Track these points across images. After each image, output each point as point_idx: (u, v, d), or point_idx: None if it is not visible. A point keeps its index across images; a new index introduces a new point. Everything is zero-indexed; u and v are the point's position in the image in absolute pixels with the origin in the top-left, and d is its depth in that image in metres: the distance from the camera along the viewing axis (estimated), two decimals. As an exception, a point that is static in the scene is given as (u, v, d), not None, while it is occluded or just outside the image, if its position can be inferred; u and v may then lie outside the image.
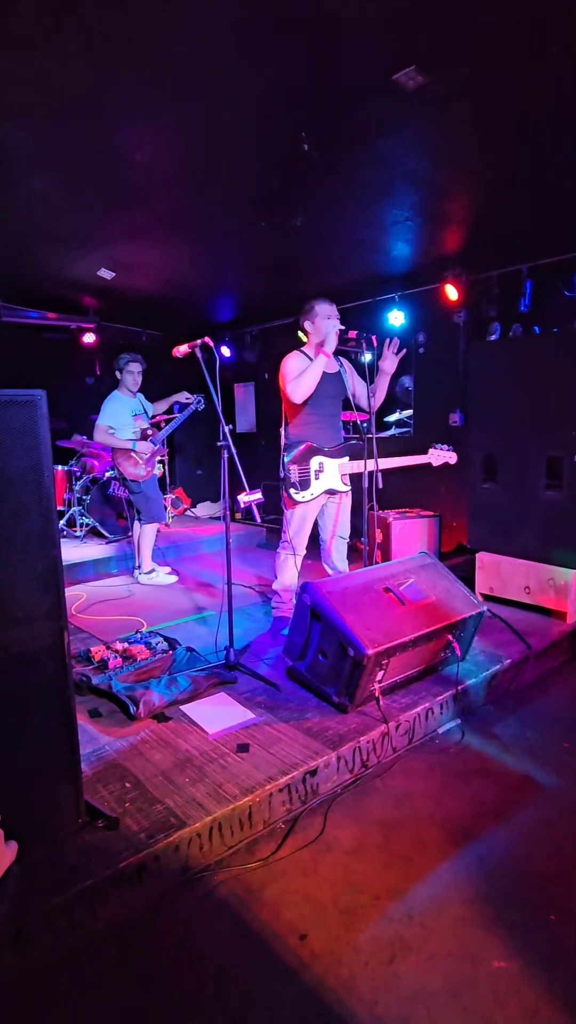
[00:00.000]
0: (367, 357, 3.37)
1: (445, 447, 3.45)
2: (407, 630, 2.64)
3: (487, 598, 4.04)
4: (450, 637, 2.86)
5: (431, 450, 3.45)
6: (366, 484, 3.30)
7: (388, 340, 3.37)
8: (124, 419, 4.69)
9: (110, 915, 1.72)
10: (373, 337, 3.33)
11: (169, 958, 1.64)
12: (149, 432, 4.74)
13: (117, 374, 4.74)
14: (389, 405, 6.24)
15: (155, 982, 1.58)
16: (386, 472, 3.34)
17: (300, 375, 3.24)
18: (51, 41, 2.34)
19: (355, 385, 3.49)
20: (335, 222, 4.18)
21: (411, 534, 4.79)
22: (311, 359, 3.36)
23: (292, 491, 3.33)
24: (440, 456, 3.43)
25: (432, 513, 4.98)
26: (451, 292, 5.07)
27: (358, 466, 3.31)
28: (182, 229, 4.40)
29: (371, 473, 3.27)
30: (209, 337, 3.06)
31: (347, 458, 3.40)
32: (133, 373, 4.72)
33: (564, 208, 3.83)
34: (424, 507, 5.16)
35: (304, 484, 3.33)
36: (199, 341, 3.06)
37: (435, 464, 3.45)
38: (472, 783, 2.40)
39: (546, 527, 3.72)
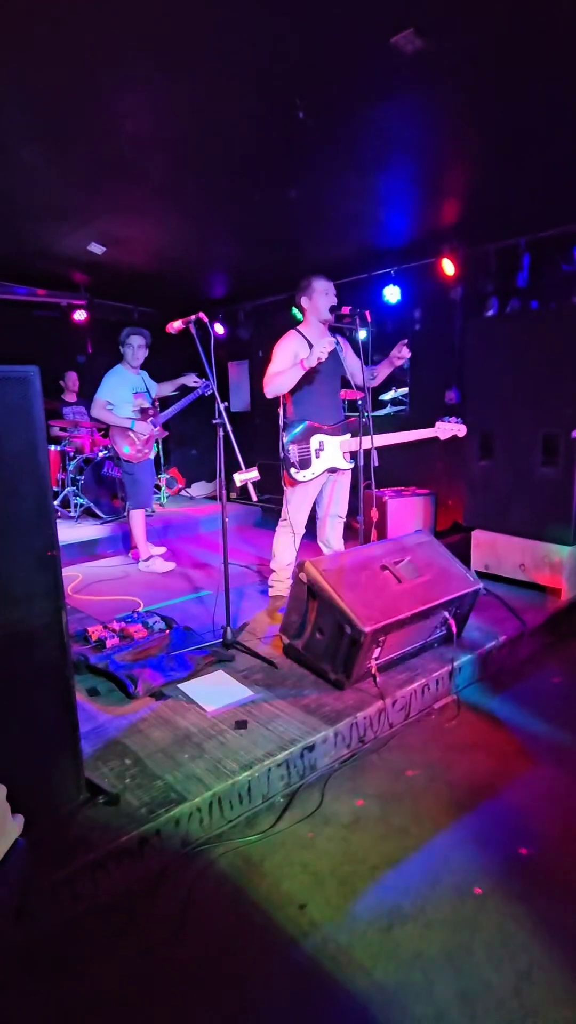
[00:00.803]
0: (362, 334, 3.34)
1: (453, 419, 3.40)
2: (403, 607, 2.66)
3: (483, 575, 4.05)
4: (446, 614, 2.88)
5: (438, 423, 3.40)
6: (362, 463, 3.29)
7: (402, 343, 3.38)
8: (123, 395, 4.49)
9: (112, 887, 1.75)
10: (367, 312, 3.30)
11: (171, 928, 1.67)
12: (150, 412, 4.57)
13: (125, 351, 4.55)
14: (385, 382, 6.20)
15: (157, 951, 1.61)
16: (382, 449, 3.32)
17: (279, 374, 3.21)
18: (37, 7, 2.25)
19: (351, 363, 3.46)
20: (330, 194, 4.09)
21: (407, 512, 4.79)
22: (306, 339, 3.33)
23: (292, 471, 3.31)
24: (448, 429, 3.38)
25: (428, 491, 4.98)
26: (448, 266, 5.00)
27: (363, 443, 3.26)
28: (174, 202, 4.30)
29: (367, 452, 3.26)
30: (202, 312, 3.02)
31: (348, 435, 3.38)
32: (133, 347, 4.51)
33: (564, 179, 3.76)
34: (420, 485, 5.16)
35: (304, 464, 3.31)
36: (193, 317, 3.01)
37: (443, 438, 3.41)
38: (467, 757, 2.44)
39: (542, 504, 3.73)
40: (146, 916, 1.71)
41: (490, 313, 4.87)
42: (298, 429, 3.32)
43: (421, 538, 3.19)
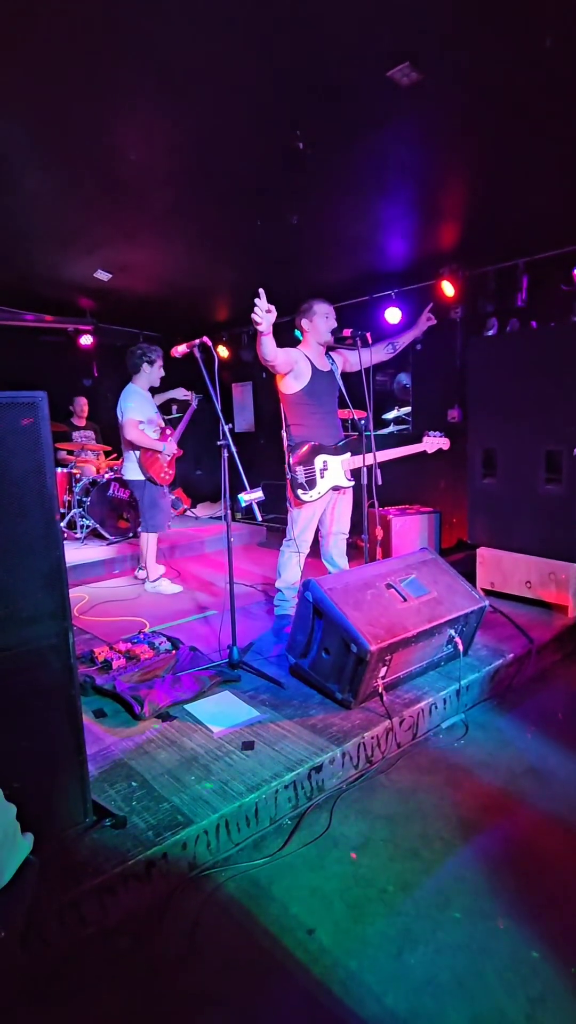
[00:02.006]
0: (364, 354, 3.39)
1: (437, 433, 3.60)
2: (409, 626, 2.65)
3: (488, 593, 4.05)
4: (452, 632, 2.87)
5: (425, 438, 3.60)
6: (365, 481, 3.32)
7: (428, 307, 3.61)
8: (150, 414, 4.35)
9: (120, 911, 1.73)
10: (368, 334, 3.36)
11: (178, 953, 1.65)
12: (168, 431, 4.45)
13: (145, 367, 4.36)
14: (387, 402, 6.26)
15: (164, 976, 1.59)
16: (385, 467, 3.36)
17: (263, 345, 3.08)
18: (44, 38, 2.34)
19: (353, 366, 3.51)
20: (330, 219, 4.19)
21: (411, 530, 4.80)
22: (308, 358, 3.38)
23: (300, 491, 3.36)
24: (434, 443, 3.58)
25: (432, 509, 4.99)
26: (447, 288, 5.07)
27: (360, 461, 3.34)
28: (178, 229, 4.40)
29: (370, 470, 3.29)
30: (206, 336, 3.07)
31: (348, 454, 3.42)
32: (156, 364, 4.35)
33: (560, 202, 3.83)
34: (424, 503, 5.17)
35: (311, 484, 3.35)
36: (197, 341, 3.06)
37: (430, 451, 3.59)
38: (477, 777, 2.41)
39: (546, 521, 3.73)
40: (153, 940, 1.69)
41: (490, 333, 4.92)
42: (302, 450, 3.37)
43: (426, 556, 3.19)
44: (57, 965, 1.59)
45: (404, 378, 6.06)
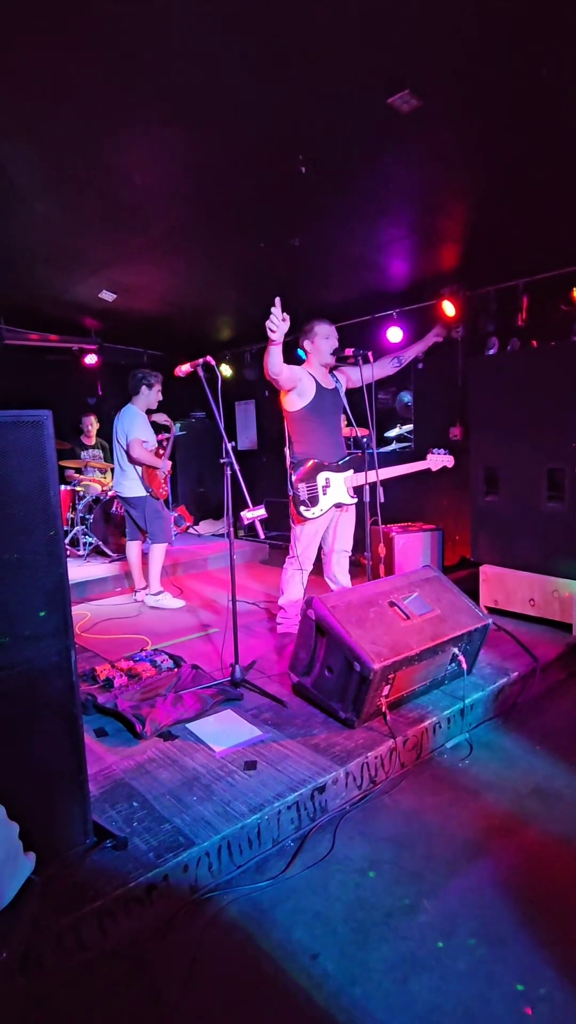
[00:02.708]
0: (366, 373, 3.42)
1: (442, 451, 3.62)
2: (413, 644, 2.64)
3: (492, 611, 4.03)
4: (456, 651, 2.86)
5: (429, 455, 3.61)
6: (368, 498, 3.33)
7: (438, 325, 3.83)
8: (150, 434, 4.59)
9: (120, 935, 1.71)
10: (369, 353, 3.40)
11: (179, 977, 1.62)
12: (161, 452, 4.68)
13: (144, 389, 4.59)
14: (390, 420, 6.30)
15: (165, 1001, 1.56)
16: (387, 485, 3.37)
17: (271, 355, 3.14)
18: (49, 61, 2.40)
19: (355, 382, 3.55)
20: (332, 241, 4.25)
21: (414, 548, 4.79)
22: (312, 376, 3.41)
23: (302, 508, 3.37)
24: (439, 460, 3.60)
25: (434, 527, 4.99)
26: (448, 308, 5.12)
27: (363, 478, 3.36)
28: (182, 250, 4.47)
29: (373, 487, 3.31)
30: (209, 356, 3.10)
31: (351, 471, 3.44)
32: (156, 388, 4.61)
33: (560, 224, 3.89)
34: (426, 521, 5.17)
35: (313, 501, 3.37)
36: (201, 360, 3.09)
37: (434, 469, 3.61)
38: (482, 798, 2.38)
39: (549, 539, 3.73)
40: (154, 965, 1.66)
41: (491, 352, 4.97)
42: (305, 467, 3.38)
43: (428, 574, 3.18)
44: (56, 989, 1.56)
45: (406, 396, 6.09)
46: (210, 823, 2.01)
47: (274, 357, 3.08)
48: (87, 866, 1.81)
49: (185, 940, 1.74)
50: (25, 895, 1.09)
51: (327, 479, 3.39)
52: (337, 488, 3.41)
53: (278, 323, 2.92)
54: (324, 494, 3.38)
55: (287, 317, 2.93)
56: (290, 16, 2.14)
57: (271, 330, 2.93)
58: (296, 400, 3.38)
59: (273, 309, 2.91)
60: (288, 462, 3.48)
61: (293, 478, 3.40)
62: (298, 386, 3.34)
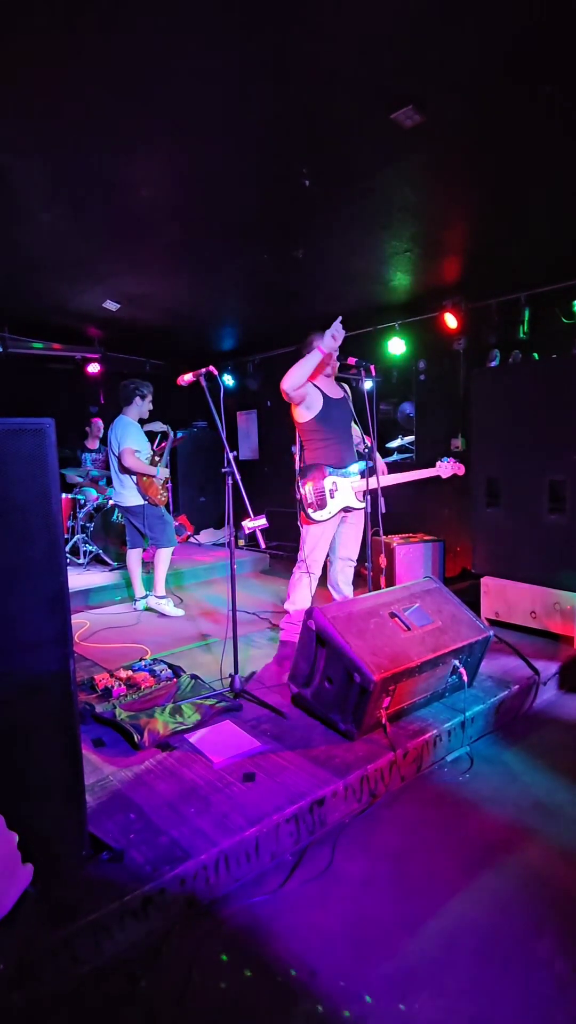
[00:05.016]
0: (368, 384, 3.44)
1: (452, 460, 3.69)
2: (413, 655, 2.63)
3: (493, 623, 4.01)
4: (456, 663, 2.84)
5: (439, 463, 3.68)
6: (369, 509, 3.34)
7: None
8: (143, 442, 4.65)
9: (115, 949, 1.68)
10: (372, 366, 3.42)
11: (175, 993, 1.59)
12: (156, 459, 4.73)
13: (137, 400, 4.65)
14: (392, 430, 6.31)
15: (160, 1018, 1.54)
16: (389, 496, 3.39)
17: (298, 365, 3.26)
18: (57, 76, 2.42)
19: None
20: (335, 253, 4.28)
21: (415, 559, 4.78)
22: (319, 388, 3.44)
23: (310, 510, 3.40)
24: (449, 468, 3.67)
25: (436, 538, 4.98)
26: (450, 320, 5.15)
27: (371, 483, 3.37)
28: (185, 261, 4.50)
29: (375, 499, 3.32)
30: (211, 366, 3.11)
31: (359, 476, 3.47)
32: (149, 398, 4.68)
33: (561, 237, 3.91)
34: (428, 532, 5.16)
35: (321, 504, 3.40)
36: (203, 370, 3.10)
37: (444, 476, 3.68)
38: (483, 812, 2.36)
39: (550, 551, 3.72)
40: (150, 980, 1.64)
41: (492, 364, 4.98)
42: (312, 472, 3.43)
43: (429, 585, 3.17)
44: (49, 1005, 1.53)
45: (408, 407, 6.11)
46: (208, 836, 1.98)
47: (309, 365, 3.23)
48: (83, 879, 1.79)
49: (181, 955, 1.71)
50: (21, 907, 1.07)
51: (334, 483, 3.43)
52: (345, 491, 3.45)
53: (341, 334, 3.14)
54: (332, 497, 3.42)
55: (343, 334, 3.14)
56: (296, 32, 2.17)
57: (332, 336, 3.14)
58: (305, 412, 3.45)
59: (335, 323, 3.15)
60: (297, 466, 3.54)
61: (300, 481, 3.44)
62: (306, 399, 3.39)
